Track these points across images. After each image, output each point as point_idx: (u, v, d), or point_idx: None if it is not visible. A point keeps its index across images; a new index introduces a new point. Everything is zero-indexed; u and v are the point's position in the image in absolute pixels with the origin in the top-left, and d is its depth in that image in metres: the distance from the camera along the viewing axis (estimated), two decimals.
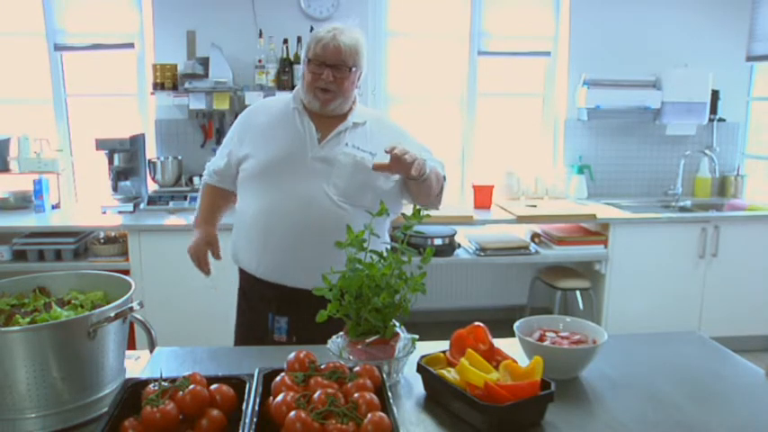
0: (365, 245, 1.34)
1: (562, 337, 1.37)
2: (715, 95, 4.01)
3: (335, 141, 1.77)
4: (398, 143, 1.63)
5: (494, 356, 1.27)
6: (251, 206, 1.78)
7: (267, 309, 1.81)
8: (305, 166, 1.73)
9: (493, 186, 3.79)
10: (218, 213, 1.98)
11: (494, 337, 1.31)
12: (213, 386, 1.06)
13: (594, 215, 3.48)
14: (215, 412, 1.01)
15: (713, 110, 4.01)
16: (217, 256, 1.96)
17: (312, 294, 1.64)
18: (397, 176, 1.78)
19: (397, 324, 1.31)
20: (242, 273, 1.89)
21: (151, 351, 1.49)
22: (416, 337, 1.35)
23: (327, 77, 1.71)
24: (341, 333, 1.36)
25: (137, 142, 3.52)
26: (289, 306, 1.77)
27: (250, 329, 1.89)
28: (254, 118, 1.88)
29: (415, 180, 1.69)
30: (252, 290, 1.87)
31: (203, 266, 1.91)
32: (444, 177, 1.86)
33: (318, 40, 1.72)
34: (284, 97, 1.90)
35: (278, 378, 1.06)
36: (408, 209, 1.38)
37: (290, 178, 1.73)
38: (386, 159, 1.62)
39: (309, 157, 1.74)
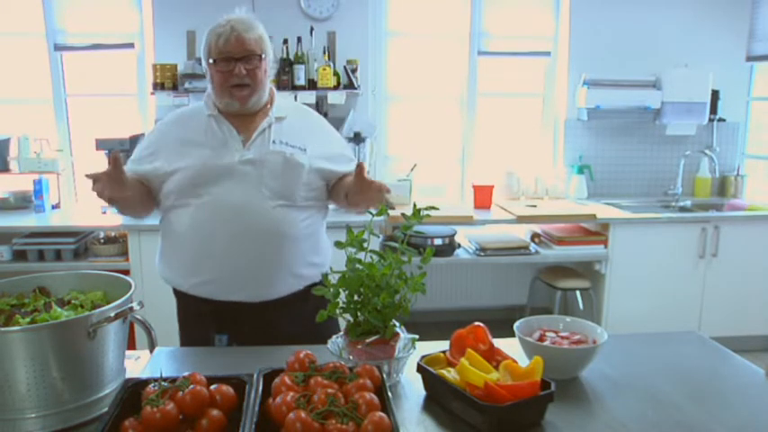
0: (365, 245, 1.34)
1: (562, 337, 1.37)
2: (715, 95, 4.01)
3: (261, 140, 1.66)
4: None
5: (494, 356, 1.27)
6: (179, 223, 1.65)
7: (207, 328, 1.70)
8: (233, 172, 1.62)
9: (493, 186, 3.79)
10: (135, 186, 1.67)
11: (494, 337, 1.31)
12: (213, 386, 1.06)
13: (594, 215, 3.48)
14: (215, 412, 1.01)
15: (713, 110, 4.01)
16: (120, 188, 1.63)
17: (253, 307, 1.62)
18: (320, 174, 1.70)
19: (397, 324, 1.31)
20: (177, 294, 1.77)
21: (151, 351, 1.49)
22: (416, 337, 1.35)
23: (240, 72, 1.60)
24: (341, 333, 1.36)
25: (137, 142, 3.50)
26: (230, 322, 1.67)
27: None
28: (166, 134, 1.73)
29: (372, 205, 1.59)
30: (189, 310, 1.76)
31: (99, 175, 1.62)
32: None
33: (218, 36, 1.63)
34: (193, 107, 1.79)
35: (278, 378, 1.06)
36: (408, 209, 1.38)
37: (217, 187, 1.61)
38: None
39: (237, 162, 1.62)
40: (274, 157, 1.64)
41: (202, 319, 1.69)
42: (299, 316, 1.64)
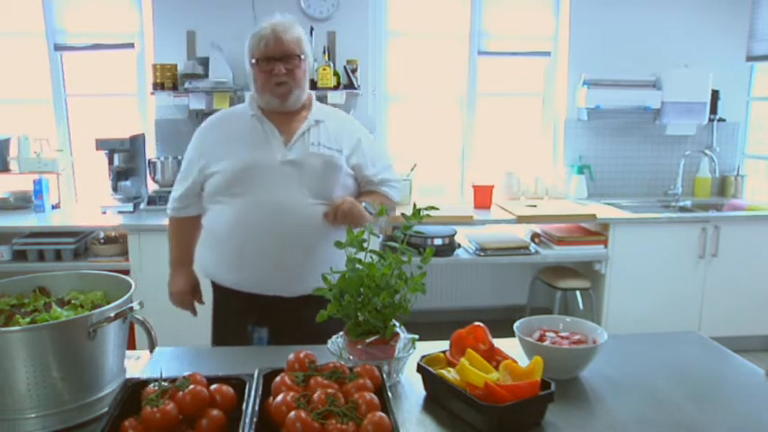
0: (365, 245, 1.34)
1: (562, 337, 1.37)
2: (715, 95, 4.01)
3: (301, 142, 1.75)
4: (342, 198, 1.69)
5: (494, 356, 1.27)
6: (222, 219, 1.73)
7: (245, 321, 1.77)
8: (274, 171, 1.70)
9: (493, 186, 3.79)
10: (191, 247, 1.92)
11: (494, 337, 1.31)
12: (213, 386, 1.06)
13: (594, 215, 3.48)
14: (215, 412, 1.01)
15: (713, 110, 4.01)
16: (200, 300, 1.97)
17: (291, 301, 1.70)
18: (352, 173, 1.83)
19: (397, 324, 1.31)
20: (216, 287, 1.84)
21: (151, 351, 1.49)
22: (416, 337, 1.35)
23: (280, 71, 1.71)
24: (341, 333, 1.36)
25: (137, 142, 3.52)
26: (269, 316, 1.75)
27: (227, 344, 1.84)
28: (211, 134, 1.83)
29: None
30: (229, 304, 1.82)
31: (190, 311, 1.95)
32: (396, 202, 1.94)
33: (260, 38, 1.73)
34: (238, 108, 1.89)
35: (278, 378, 1.06)
36: (408, 209, 1.38)
37: (261, 186, 1.69)
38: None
39: (278, 162, 1.71)
40: (314, 159, 1.72)
41: (240, 314, 1.77)
42: None
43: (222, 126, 1.84)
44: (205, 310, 1.97)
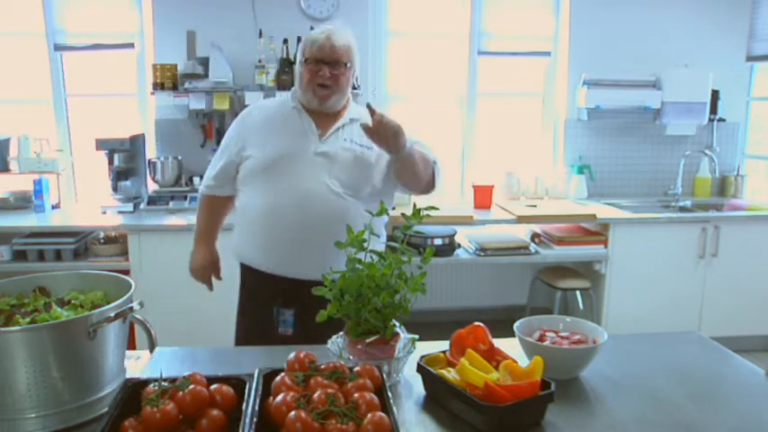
0: (365, 245, 1.34)
1: (562, 337, 1.37)
2: (715, 95, 4.01)
3: (335, 137, 1.84)
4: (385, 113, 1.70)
5: (494, 356, 1.27)
6: (254, 203, 1.82)
7: (272, 304, 1.85)
8: (307, 161, 1.79)
9: (493, 186, 3.79)
10: (217, 225, 2.05)
11: (494, 337, 1.31)
12: (213, 386, 1.06)
13: (594, 215, 3.48)
14: (215, 412, 1.01)
15: (713, 110, 4.01)
16: (218, 276, 2.07)
17: (315, 286, 1.73)
18: (384, 155, 1.82)
19: (397, 324, 1.31)
20: (245, 269, 1.92)
21: (151, 351, 1.49)
22: (416, 337, 1.35)
23: (325, 74, 1.80)
24: (341, 333, 1.36)
25: (137, 142, 3.52)
26: (294, 298, 1.81)
27: (254, 329, 1.92)
28: (251, 119, 1.93)
29: (397, 155, 1.74)
30: (256, 286, 1.90)
31: (208, 285, 2.04)
32: (435, 162, 1.93)
33: (314, 41, 1.82)
34: (280, 98, 1.99)
35: (278, 378, 1.06)
36: (408, 209, 1.38)
37: (292, 173, 1.78)
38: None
39: (312, 153, 1.80)
40: (346, 153, 1.81)
41: (268, 295, 1.85)
42: None
43: (263, 113, 1.93)
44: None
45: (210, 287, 2.07)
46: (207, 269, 2.03)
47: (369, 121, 1.88)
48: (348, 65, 1.85)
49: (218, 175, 1.96)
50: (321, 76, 1.80)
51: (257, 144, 1.84)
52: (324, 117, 1.87)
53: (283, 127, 1.86)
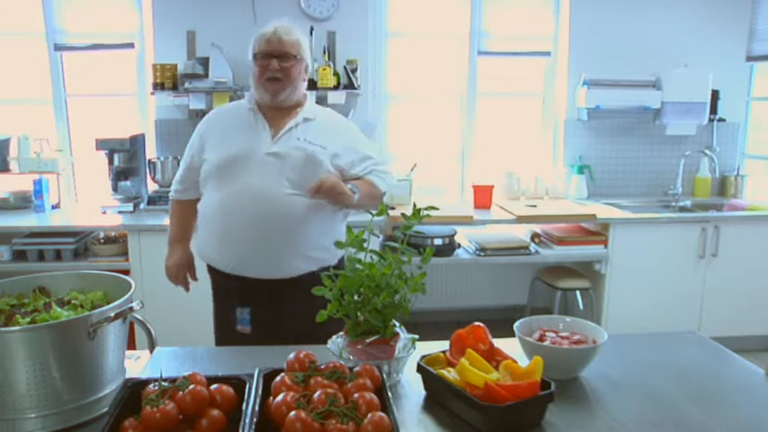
0: (365, 245, 1.34)
1: (562, 337, 1.37)
2: (715, 95, 4.01)
3: (288, 136, 1.85)
4: (328, 175, 1.76)
5: (494, 356, 1.27)
6: (211, 204, 1.87)
7: (232, 302, 1.88)
8: (259, 162, 1.81)
9: (493, 186, 3.79)
10: (189, 228, 2.07)
11: (494, 337, 1.31)
12: (213, 386, 1.06)
13: (594, 215, 3.48)
14: (215, 412, 1.01)
15: (713, 110, 4.01)
16: (194, 276, 2.09)
17: (271, 284, 1.82)
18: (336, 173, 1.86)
19: (397, 324, 1.31)
20: (209, 269, 1.96)
21: (151, 351, 1.49)
22: (416, 337, 1.35)
23: (275, 67, 1.84)
24: (341, 333, 1.36)
25: (137, 142, 3.52)
26: (250, 297, 1.85)
27: (223, 327, 1.96)
28: (209, 123, 1.98)
29: (348, 208, 1.85)
30: (217, 285, 1.96)
31: (184, 285, 2.06)
32: (384, 194, 1.96)
33: (261, 36, 1.88)
34: (237, 103, 2.02)
35: (278, 378, 1.06)
36: (408, 209, 1.38)
37: (244, 174, 1.80)
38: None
39: (263, 153, 1.82)
40: (297, 153, 1.82)
41: (229, 294, 1.90)
42: (311, 297, 1.69)
43: (222, 117, 1.98)
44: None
45: (187, 288, 2.09)
46: (181, 268, 2.05)
47: (325, 119, 1.96)
48: (297, 57, 1.87)
49: (181, 180, 2.03)
50: (271, 70, 1.84)
51: (213, 147, 1.88)
52: (279, 116, 1.89)
53: (238, 129, 1.88)
